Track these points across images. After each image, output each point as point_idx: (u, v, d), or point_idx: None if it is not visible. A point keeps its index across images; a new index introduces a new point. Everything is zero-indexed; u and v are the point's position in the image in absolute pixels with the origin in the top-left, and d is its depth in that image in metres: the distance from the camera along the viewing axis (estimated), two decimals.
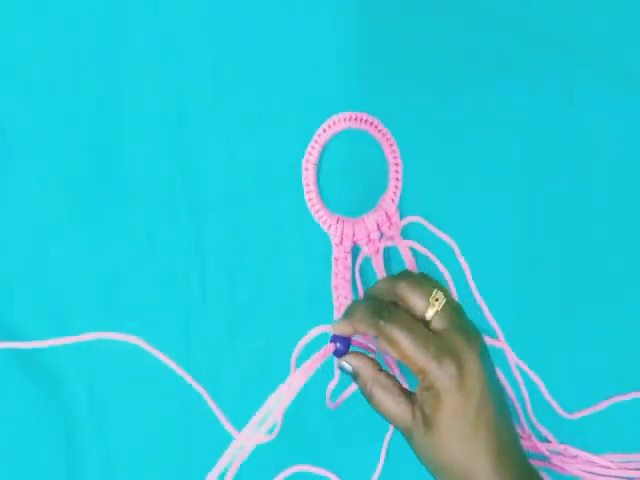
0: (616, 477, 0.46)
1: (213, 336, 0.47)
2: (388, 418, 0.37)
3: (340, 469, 0.47)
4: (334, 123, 0.48)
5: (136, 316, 0.47)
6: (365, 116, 0.48)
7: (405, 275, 0.37)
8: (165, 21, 0.46)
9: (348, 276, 0.48)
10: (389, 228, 0.48)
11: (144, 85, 0.46)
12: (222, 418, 0.46)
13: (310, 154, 0.49)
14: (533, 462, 0.41)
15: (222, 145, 0.46)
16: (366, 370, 0.37)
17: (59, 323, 0.46)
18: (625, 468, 0.46)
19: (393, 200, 0.48)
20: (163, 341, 0.46)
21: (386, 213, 0.48)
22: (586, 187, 0.47)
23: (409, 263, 0.48)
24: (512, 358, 0.47)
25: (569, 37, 0.46)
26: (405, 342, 0.34)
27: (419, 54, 0.47)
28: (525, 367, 0.47)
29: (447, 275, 0.48)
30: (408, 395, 0.36)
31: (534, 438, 0.47)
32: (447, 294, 0.36)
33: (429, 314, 0.35)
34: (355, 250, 0.48)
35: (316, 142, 0.48)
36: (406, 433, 0.36)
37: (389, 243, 0.48)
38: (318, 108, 0.47)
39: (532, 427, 0.47)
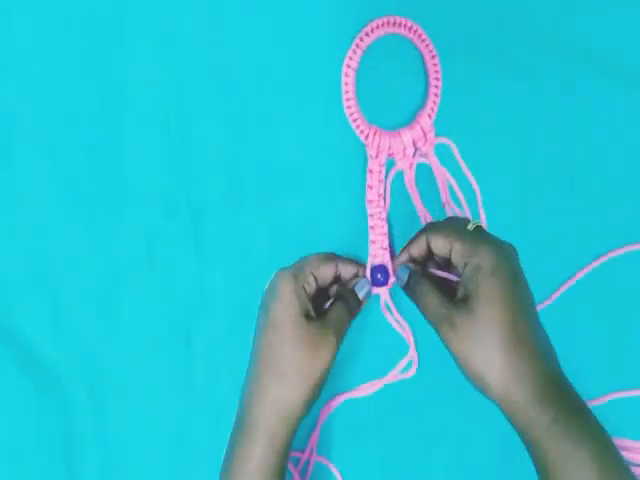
0: None
1: (213, 336, 0.47)
2: (427, 308, 0.40)
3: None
4: (377, 27, 0.46)
5: (136, 316, 0.47)
6: (409, 23, 0.46)
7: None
8: (165, 21, 0.45)
9: (381, 190, 0.47)
10: (424, 144, 0.47)
11: (144, 85, 0.45)
12: None
13: (351, 59, 0.46)
14: None
15: (222, 145, 0.46)
16: (415, 274, 0.42)
17: (59, 323, 0.46)
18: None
19: (430, 116, 0.47)
20: (163, 341, 0.47)
21: (422, 129, 0.47)
22: (587, 186, 0.47)
23: (441, 181, 0.48)
24: None
25: (569, 37, 0.46)
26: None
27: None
28: None
29: (464, 204, 0.48)
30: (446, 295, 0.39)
31: None
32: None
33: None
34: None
35: (357, 46, 0.46)
36: (444, 323, 0.38)
37: (423, 160, 0.48)
38: (319, 107, 0.47)
39: None
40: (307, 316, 0.40)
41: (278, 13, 0.46)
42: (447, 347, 0.38)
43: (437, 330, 0.39)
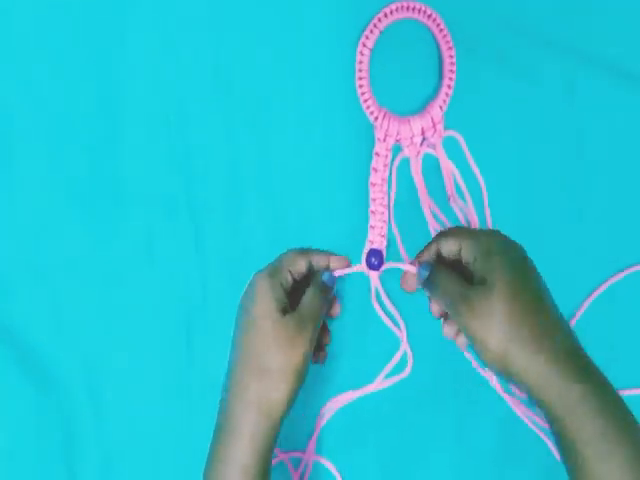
0: None
1: (214, 336, 0.46)
2: (444, 289, 0.39)
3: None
4: (396, 10, 0.45)
5: (136, 316, 0.46)
6: (429, 10, 0.45)
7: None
8: (165, 21, 0.45)
9: (386, 174, 0.45)
10: (432, 135, 0.46)
11: (144, 85, 0.45)
12: None
13: (367, 38, 0.45)
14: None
15: (222, 145, 0.45)
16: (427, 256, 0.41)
17: (59, 323, 0.46)
18: None
19: (441, 107, 0.46)
20: (163, 341, 0.46)
21: (432, 119, 0.45)
22: (587, 186, 0.47)
23: (446, 174, 0.46)
24: None
25: (569, 37, 0.46)
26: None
27: (420, 54, 0.46)
28: None
29: (468, 198, 0.47)
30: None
31: None
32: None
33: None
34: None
35: (375, 27, 0.45)
36: (460, 302, 0.37)
37: (430, 150, 0.46)
38: (318, 106, 0.46)
39: None
40: (284, 311, 0.39)
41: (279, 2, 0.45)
42: (465, 330, 0.37)
43: (455, 311, 0.38)
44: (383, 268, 0.43)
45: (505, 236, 0.40)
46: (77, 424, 0.45)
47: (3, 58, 0.45)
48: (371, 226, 0.45)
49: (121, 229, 0.46)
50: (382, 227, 0.45)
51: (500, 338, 0.35)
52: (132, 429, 0.46)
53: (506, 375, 0.36)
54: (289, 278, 0.41)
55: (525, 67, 0.46)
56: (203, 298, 0.46)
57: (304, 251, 0.43)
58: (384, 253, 0.44)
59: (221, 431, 0.39)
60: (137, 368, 0.46)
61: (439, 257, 0.41)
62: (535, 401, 0.36)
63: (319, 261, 0.43)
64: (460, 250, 0.40)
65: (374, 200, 0.45)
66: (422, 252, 0.42)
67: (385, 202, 0.45)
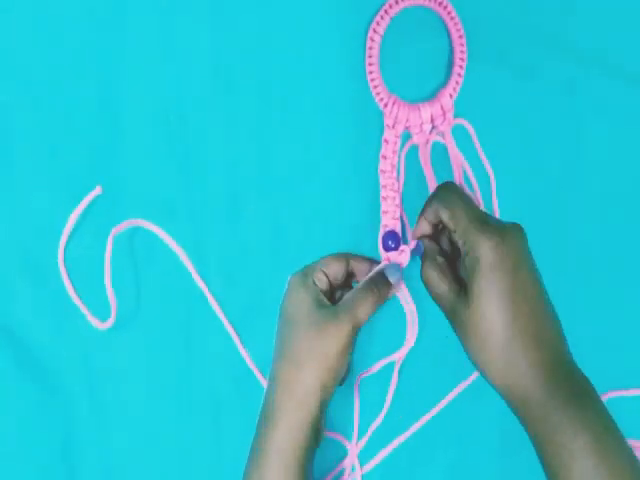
0: None
1: (214, 336, 0.46)
2: (434, 296, 0.39)
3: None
4: None
5: (136, 316, 0.46)
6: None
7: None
8: (165, 21, 0.45)
9: (395, 161, 0.45)
10: (442, 123, 0.45)
11: (144, 85, 0.45)
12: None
13: (378, 24, 0.45)
14: None
15: (222, 145, 0.45)
16: (430, 248, 0.40)
17: (59, 323, 0.45)
18: None
19: (451, 96, 0.45)
20: (163, 341, 0.46)
21: (442, 107, 0.45)
22: (586, 186, 0.46)
23: (455, 162, 0.46)
24: None
25: (569, 37, 0.46)
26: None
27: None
28: None
29: (476, 188, 0.47)
30: (456, 278, 0.39)
31: None
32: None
33: None
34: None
35: (386, 13, 0.45)
36: (449, 313, 0.38)
37: (439, 138, 0.46)
38: (319, 112, 0.46)
39: None
40: (319, 305, 0.40)
41: (282, 13, 0.45)
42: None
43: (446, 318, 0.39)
44: (401, 250, 0.42)
45: (501, 229, 0.37)
46: (77, 424, 0.45)
47: (3, 58, 0.45)
48: (384, 211, 0.44)
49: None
50: (395, 211, 0.44)
51: (482, 355, 0.36)
52: (132, 429, 0.46)
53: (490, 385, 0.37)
54: (324, 279, 0.42)
55: (525, 67, 0.46)
56: (202, 298, 0.46)
57: (342, 254, 0.43)
58: (400, 235, 0.44)
59: (261, 421, 0.40)
60: (137, 368, 0.46)
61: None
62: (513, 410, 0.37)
63: (358, 266, 0.43)
64: (454, 228, 0.38)
65: (385, 187, 0.45)
66: (424, 212, 0.40)
67: (396, 187, 0.45)
